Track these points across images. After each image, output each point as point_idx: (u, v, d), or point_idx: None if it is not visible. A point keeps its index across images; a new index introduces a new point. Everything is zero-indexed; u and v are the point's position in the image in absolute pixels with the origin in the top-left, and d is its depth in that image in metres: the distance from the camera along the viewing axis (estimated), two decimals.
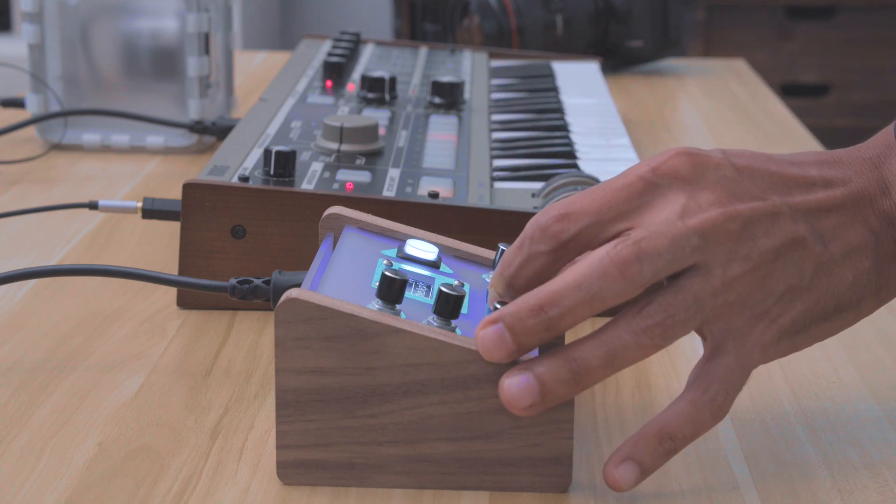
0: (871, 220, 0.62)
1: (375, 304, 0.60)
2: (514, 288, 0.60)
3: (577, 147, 1.00)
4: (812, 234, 0.61)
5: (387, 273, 0.60)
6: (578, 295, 0.58)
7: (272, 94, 1.05)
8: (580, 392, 0.59)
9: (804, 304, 0.61)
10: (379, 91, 1.04)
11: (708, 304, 0.59)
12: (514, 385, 0.58)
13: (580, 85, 1.24)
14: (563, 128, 1.06)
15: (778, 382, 0.72)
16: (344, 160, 0.87)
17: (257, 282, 0.69)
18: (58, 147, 1.17)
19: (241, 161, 0.86)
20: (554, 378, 0.58)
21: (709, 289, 0.59)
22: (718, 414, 0.60)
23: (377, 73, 1.05)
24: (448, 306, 0.60)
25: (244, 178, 0.81)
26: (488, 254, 0.69)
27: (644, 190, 0.60)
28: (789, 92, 3.01)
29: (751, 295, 0.60)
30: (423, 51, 1.31)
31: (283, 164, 0.82)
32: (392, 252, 0.68)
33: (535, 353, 0.62)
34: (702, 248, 0.59)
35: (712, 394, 0.60)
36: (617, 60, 1.58)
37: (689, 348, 0.77)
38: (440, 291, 0.60)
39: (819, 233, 0.61)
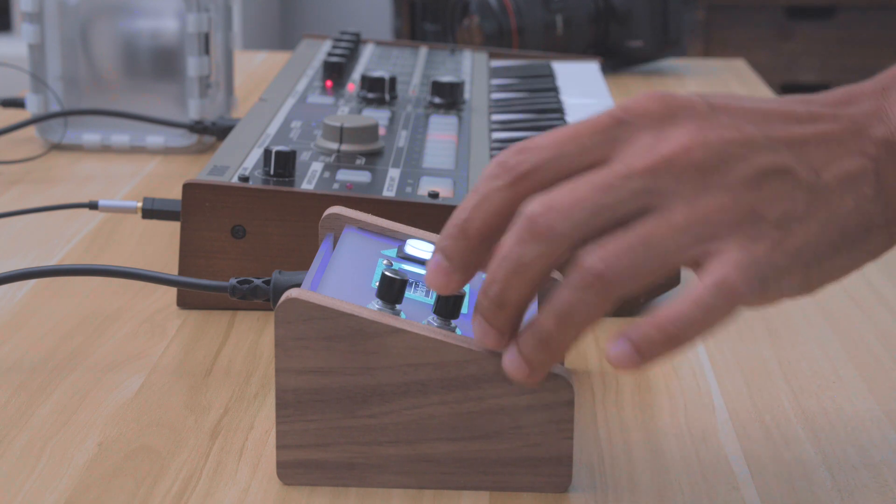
0: (867, 149, 0.58)
1: (375, 304, 0.60)
2: (466, 234, 0.57)
3: None
4: (799, 163, 0.57)
5: (387, 273, 0.60)
6: (505, 265, 0.55)
7: (272, 94, 1.05)
8: (559, 358, 0.56)
9: (805, 234, 0.56)
10: (379, 91, 1.04)
11: (670, 244, 0.55)
12: (506, 363, 0.57)
13: (580, 85, 1.24)
14: None
15: (778, 382, 0.73)
16: (344, 160, 0.87)
17: (257, 282, 0.69)
18: (58, 147, 1.17)
19: (241, 161, 0.86)
20: (527, 349, 0.56)
21: (666, 227, 0.55)
22: (732, 295, 0.55)
23: (377, 73, 1.05)
24: (448, 306, 0.60)
25: (244, 178, 0.81)
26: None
27: (610, 126, 0.57)
28: (789, 92, 3.01)
29: (740, 222, 0.55)
30: (423, 51, 1.31)
31: (283, 164, 0.82)
32: (392, 252, 0.68)
33: None
34: (650, 189, 0.55)
35: (723, 275, 0.55)
36: (617, 60, 1.58)
37: (690, 348, 0.77)
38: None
39: (807, 162, 0.57)
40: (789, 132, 0.58)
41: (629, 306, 0.81)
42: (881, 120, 0.58)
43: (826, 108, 0.59)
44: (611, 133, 0.57)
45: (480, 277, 0.68)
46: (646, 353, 0.55)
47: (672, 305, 0.55)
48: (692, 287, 0.55)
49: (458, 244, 0.57)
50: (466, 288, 0.65)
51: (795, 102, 0.60)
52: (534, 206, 0.55)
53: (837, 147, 0.58)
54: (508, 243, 0.56)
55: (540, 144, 0.57)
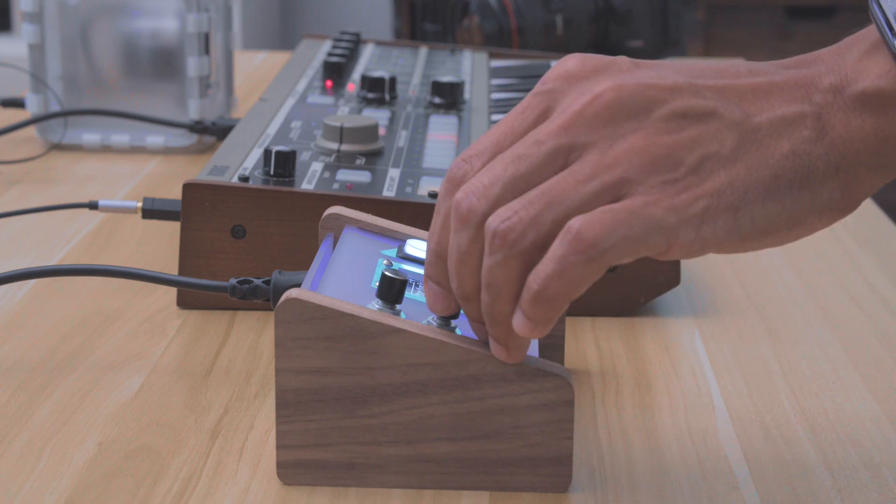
0: (812, 97, 0.55)
1: (375, 304, 0.60)
2: (441, 256, 0.58)
3: None
4: (727, 107, 0.55)
5: (387, 273, 0.60)
6: (453, 259, 0.56)
7: (272, 94, 1.05)
8: (501, 324, 0.56)
9: (729, 173, 0.54)
10: (379, 91, 1.04)
11: (573, 195, 0.53)
12: (492, 347, 0.58)
13: None
14: None
15: (778, 382, 0.73)
16: (344, 160, 0.87)
17: (257, 282, 0.69)
18: (58, 147, 1.17)
19: (241, 161, 0.86)
20: (478, 326, 0.58)
21: (571, 179, 0.53)
22: (577, 246, 0.53)
23: (377, 73, 1.05)
24: None
25: (244, 178, 0.81)
26: None
27: (539, 103, 0.56)
28: None
29: (652, 165, 0.53)
30: (423, 51, 1.31)
31: (283, 164, 0.82)
32: (392, 252, 0.68)
33: (536, 352, 0.62)
34: (564, 146, 0.54)
35: (577, 225, 0.53)
36: None
37: (690, 348, 0.77)
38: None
39: (738, 106, 0.55)
40: (721, 83, 0.56)
41: (628, 306, 0.81)
42: (832, 72, 0.56)
43: (773, 67, 0.57)
44: (538, 107, 0.56)
45: None
46: (529, 314, 0.54)
47: (541, 262, 0.54)
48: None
49: (438, 268, 0.58)
50: None
51: (741, 64, 0.58)
52: (457, 195, 0.55)
53: (775, 96, 0.55)
54: (450, 238, 0.56)
55: (479, 148, 0.57)
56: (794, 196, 0.54)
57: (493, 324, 0.56)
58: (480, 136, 0.58)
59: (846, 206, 0.55)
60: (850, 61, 0.56)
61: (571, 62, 0.57)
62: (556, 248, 0.53)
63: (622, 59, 0.57)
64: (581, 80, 0.56)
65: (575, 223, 0.53)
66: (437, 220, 0.58)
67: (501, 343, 0.57)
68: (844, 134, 0.54)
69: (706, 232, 0.53)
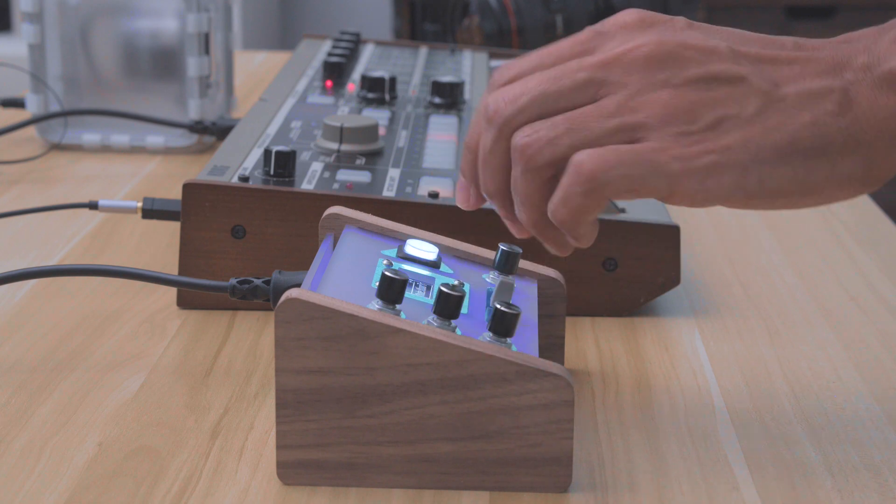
0: (844, 74, 0.58)
1: (375, 304, 0.60)
2: (471, 148, 0.63)
3: None
4: (759, 76, 0.57)
5: (387, 273, 0.60)
6: (480, 158, 0.61)
7: (272, 94, 1.05)
8: (533, 227, 0.61)
9: (744, 134, 0.56)
10: (379, 91, 1.04)
11: (594, 126, 0.57)
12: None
13: None
14: None
15: (778, 382, 0.73)
16: (344, 160, 0.87)
17: (257, 282, 0.69)
18: (58, 147, 1.17)
19: (241, 161, 0.86)
20: (509, 222, 0.64)
21: (596, 111, 0.57)
22: (577, 177, 0.57)
23: (377, 73, 1.05)
24: (448, 306, 0.60)
25: (244, 178, 0.81)
26: (488, 254, 0.69)
27: (589, 39, 0.60)
28: None
29: (672, 117, 0.57)
30: (423, 51, 1.31)
31: (283, 164, 0.82)
32: (392, 252, 0.68)
33: (536, 352, 0.62)
34: (597, 79, 0.58)
35: (581, 157, 0.57)
36: None
37: (690, 348, 0.77)
38: (440, 291, 0.60)
39: (769, 76, 0.58)
40: (761, 52, 0.58)
41: (628, 306, 0.81)
42: (867, 51, 0.58)
43: (821, 43, 0.59)
44: (588, 44, 0.60)
45: (480, 278, 0.68)
46: (547, 236, 0.62)
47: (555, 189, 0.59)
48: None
49: (467, 160, 0.63)
50: (466, 288, 0.65)
51: (793, 39, 0.60)
52: (489, 97, 0.60)
53: (810, 70, 0.58)
54: (479, 137, 0.62)
55: (524, 62, 0.61)
56: (809, 164, 0.56)
57: (527, 224, 0.61)
58: (529, 54, 0.62)
59: (869, 182, 0.57)
60: (885, 42, 0.58)
61: (630, 15, 0.60)
62: (563, 178, 0.58)
63: (678, 19, 0.60)
64: (633, 30, 0.59)
65: (580, 155, 0.57)
66: (474, 118, 0.63)
67: (542, 237, 0.62)
68: (868, 111, 0.56)
69: (710, 184, 0.56)
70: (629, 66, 0.58)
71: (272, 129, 0.94)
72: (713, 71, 0.57)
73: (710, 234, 0.98)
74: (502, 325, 0.60)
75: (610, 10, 1.55)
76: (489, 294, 0.66)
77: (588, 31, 0.61)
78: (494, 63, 1.31)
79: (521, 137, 0.58)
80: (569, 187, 0.58)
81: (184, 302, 0.82)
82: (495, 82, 0.61)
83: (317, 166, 0.85)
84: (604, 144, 0.57)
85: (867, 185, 0.57)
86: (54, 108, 1.16)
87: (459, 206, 0.65)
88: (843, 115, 0.57)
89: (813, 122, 0.56)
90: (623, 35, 0.60)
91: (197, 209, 0.80)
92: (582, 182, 0.57)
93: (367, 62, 1.22)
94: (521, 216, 0.61)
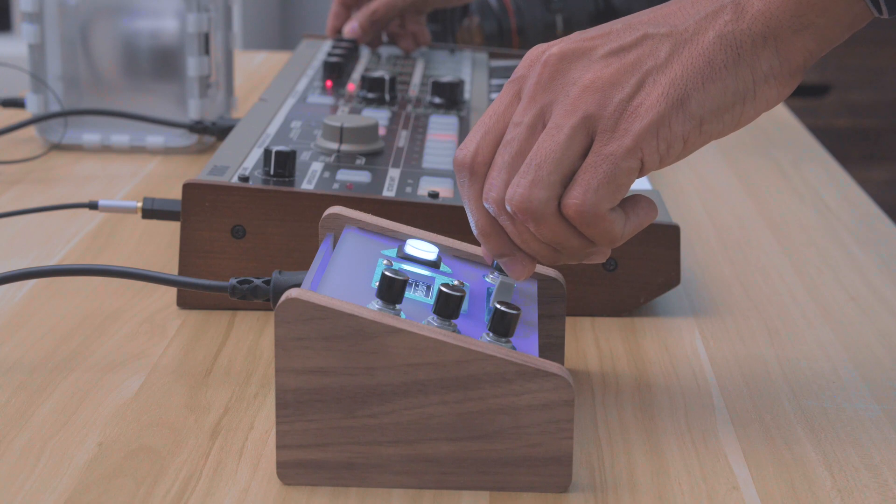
0: None
1: (375, 304, 0.60)
2: (493, 230, 0.66)
3: None
4: (655, 27, 0.63)
5: (387, 273, 0.60)
6: (480, 231, 0.66)
7: (272, 94, 1.05)
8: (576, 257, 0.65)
9: (668, 76, 0.62)
10: (379, 91, 1.04)
11: (555, 147, 0.62)
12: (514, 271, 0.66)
13: None
14: None
15: (778, 382, 0.73)
16: (344, 160, 0.87)
17: (257, 282, 0.69)
18: (58, 147, 1.17)
19: (241, 161, 0.86)
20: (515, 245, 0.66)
21: (547, 137, 0.62)
22: (582, 219, 0.62)
23: (377, 73, 1.05)
24: (448, 306, 0.60)
25: (244, 178, 0.81)
26: None
27: (511, 89, 0.65)
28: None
29: (603, 94, 0.62)
30: (423, 51, 1.31)
31: (283, 164, 0.82)
32: (392, 252, 0.68)
33: (536, 352, 0.62)
34: (539, 112, 0.63)
35: (571, 203, 0.62)
36: None
37: (690, 348, 0.77)
38: (440, 291, 0.60)
39: (664, 23, 0.63)
40: (651, 15, 0.64)
41: (628, 306, 0.81)
42: None
43: None
44: (511, 92, 0.65)
45: (480, 278, 0.68)
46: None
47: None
48: None
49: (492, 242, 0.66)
50: (466, 287, 0.65)
51: None
52: (489, 196, 0.64)
53: (700, 3, 0.63)
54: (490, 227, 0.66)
55: (473, 137, 0.65)
56: (732, 73, 0.62)
57: (572, 258, 0.66)
58: (474, 125, 0.65)
59: (788, 72, 0.62)
60: None
61: (533, 51, 0.65)
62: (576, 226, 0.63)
63: (574, 33, 0.65)
64: (536, 60, 0.65)
65: (565, 204, 0.62)
66: (467, 205, 0.66)
67: (587, 261, 0.66)
68: (762, 7, 0.62)
69: (665, 134, 0.62)
70: (547, 82, 0.63)
71: (272, 129, 0.94)
72: (616, 45, 0.63)
73: (710, 234, 0.98)
74: (502, 325, 0.60)
75: (610, 10, 1.55)
76: (489, 294, 0.66)
77: (507, 84, 0.65)
78: (494, 63, 1.31)
79: (511, 204, 0.62)
80: (582, 229, 0.63)
81: (184, 302, 0.82)
82: (459, 164, 0.65)
83: (317, 166, 0.85)
84: (570, 155, 0.62)
85: (787, 76, 0.62)
86: (54, 108, 1.16)
87: (518, 279, 0.66)
88: (741, 20, 0.62)
89: (718, 36, 0.62)
90: (534, 68, 0.64)
91: (197, 209, 0.80)
92: (584, 221, 0.62)
93: (367, 62, 1.22)
94: (565, 259, 0.65)
